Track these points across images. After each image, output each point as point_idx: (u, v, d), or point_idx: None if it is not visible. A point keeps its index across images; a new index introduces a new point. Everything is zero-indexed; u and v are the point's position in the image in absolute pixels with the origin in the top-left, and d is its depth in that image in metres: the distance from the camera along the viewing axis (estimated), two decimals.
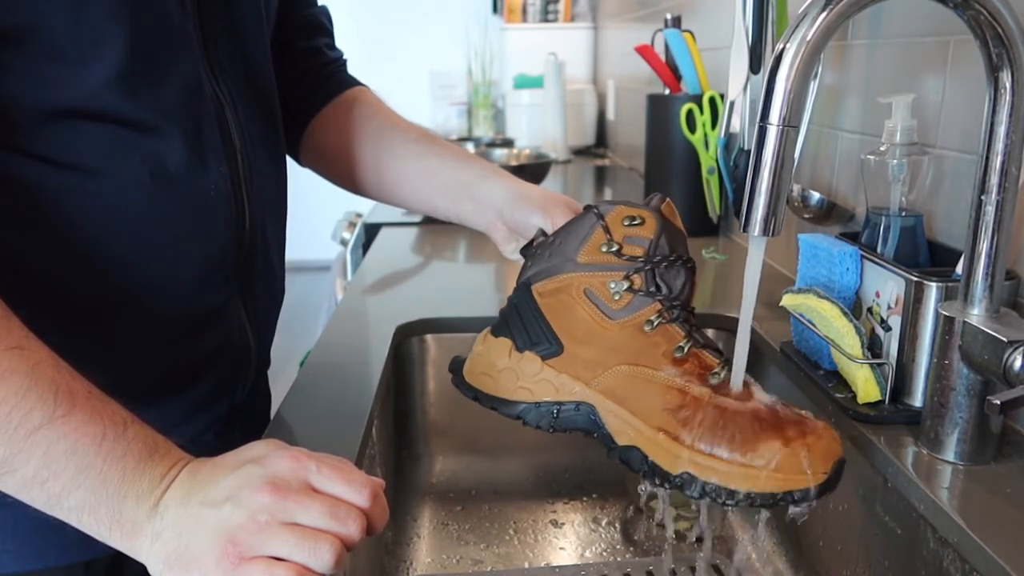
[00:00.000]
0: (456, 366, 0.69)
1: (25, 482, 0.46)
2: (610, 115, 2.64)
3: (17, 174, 0.54)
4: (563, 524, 0.93)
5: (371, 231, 1.53)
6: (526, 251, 0.68)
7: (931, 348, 0.65)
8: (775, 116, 0.50)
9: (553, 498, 0.97)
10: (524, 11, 3.23)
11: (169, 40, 0.59)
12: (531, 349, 0.62)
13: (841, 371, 0.74)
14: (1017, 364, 0.55)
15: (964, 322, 0.59)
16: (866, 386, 0.69)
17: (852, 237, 0.80)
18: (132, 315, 0.61)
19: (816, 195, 0.96)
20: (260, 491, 0.45)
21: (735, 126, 1.22)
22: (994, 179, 0.57)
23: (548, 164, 1.80)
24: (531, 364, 0.62)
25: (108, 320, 0.60)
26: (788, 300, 0.75)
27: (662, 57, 1.51)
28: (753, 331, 0.78)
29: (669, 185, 1.37)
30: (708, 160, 1.32)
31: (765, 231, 0.52)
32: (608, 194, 1.97)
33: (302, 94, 0.84)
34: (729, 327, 0.96)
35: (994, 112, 0.56)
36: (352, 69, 0.89)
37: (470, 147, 2.12)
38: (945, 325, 0.61)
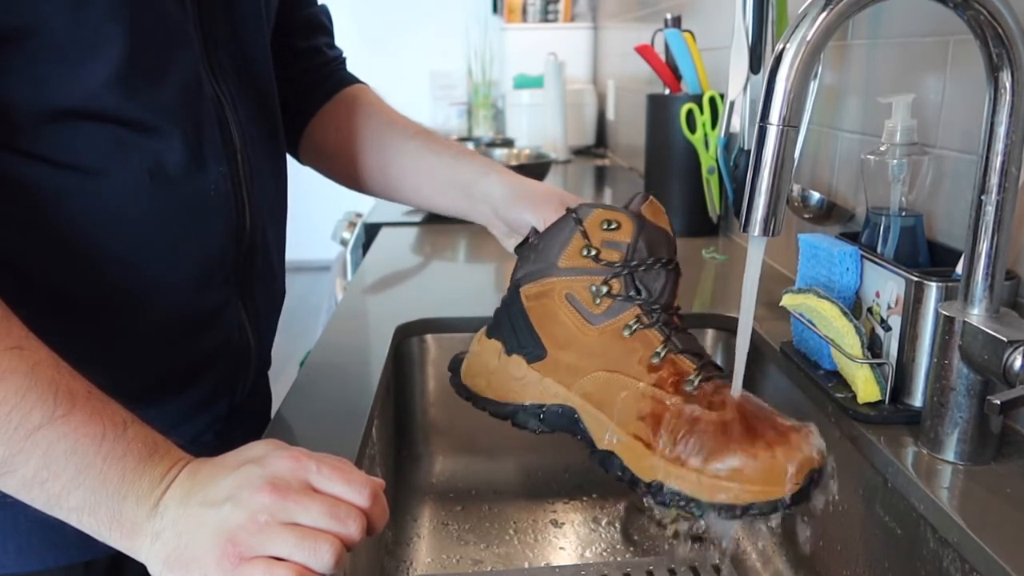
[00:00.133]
0: (455, 365, 0.69)
1: (25, 482, 0.46)
2: (610, 115, 2.63)
3: (17, 174, 0.54)
4: (563, 524, 0.93)
5: (371, 231, 1.53)
6: (519, 250, 0.68)
7: (931, 348, 0.65)
8: (775, 116, 0.50)
9: (553, 498, 0.96)
10: (524, 11, 3.23)
11: (169, 40, 0.59)
12: (518, 352, 0.63)
13: (841, 371, 0.74)
14: (1017, 364, 0.55)
15: (964, 322, 0.59)
16: (866, 386, 0.69)
17: (852, 237, 0.80)
18: (132, 315, 0.61)
19: (816, 195, 0.96)
20: (260, 491, 0.45)
21: (735, 126, 1.22)
22: (994, 179, 0.57)
23: (548, 164, 1.80)
24: (518, 367, 0.63)
25: (108, 320, 0.60)
26: (788, 300, 0.75)
27: (662, 57, 1.51)
28: (753, 331, 0.78)
29: (669, 185, 1.37)
30: (708, 160, 1.32)
31: (765, 231, 0.52)
32: (608, 194, 1.96)
33: (302, 93, 0.84)
34: (729, 327, 0.96)
35: (994, 112, 0.56)
36: (352, 69, 0.89)
37: (470, 147, 2.12)
38: (945, 325, 0.61)
